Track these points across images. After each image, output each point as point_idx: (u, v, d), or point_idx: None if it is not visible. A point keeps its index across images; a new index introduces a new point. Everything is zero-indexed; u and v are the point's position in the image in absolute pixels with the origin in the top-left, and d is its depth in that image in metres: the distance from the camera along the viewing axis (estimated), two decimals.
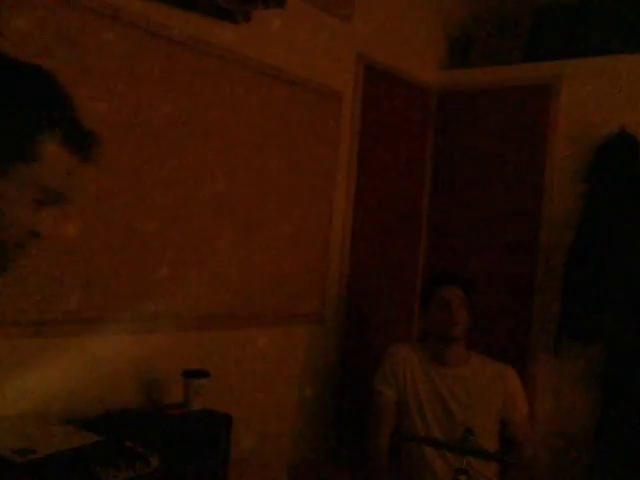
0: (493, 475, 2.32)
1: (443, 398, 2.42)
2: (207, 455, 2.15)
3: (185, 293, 2.35)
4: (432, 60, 3.53)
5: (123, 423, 2.03)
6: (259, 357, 2.68)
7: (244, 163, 2.55)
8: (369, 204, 3.18)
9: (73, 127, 0.85)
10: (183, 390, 2.22)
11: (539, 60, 3.27)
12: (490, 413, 2.42)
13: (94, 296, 2.08)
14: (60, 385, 1.99)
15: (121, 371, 2.18)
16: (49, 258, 1.93)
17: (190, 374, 2.22)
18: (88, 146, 0.88)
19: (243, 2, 2.34)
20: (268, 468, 2.68)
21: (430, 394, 2.44)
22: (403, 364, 2.50)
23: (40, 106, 0.82)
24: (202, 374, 2.23)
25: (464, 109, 3.46)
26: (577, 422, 2.96)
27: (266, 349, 2.71)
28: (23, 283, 1.88)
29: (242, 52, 2.50)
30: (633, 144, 2.90)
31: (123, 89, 2.13)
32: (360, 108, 3.08)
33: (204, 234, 2.42)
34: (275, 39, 2.63)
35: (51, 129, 0.83)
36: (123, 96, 2.13)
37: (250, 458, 2.59)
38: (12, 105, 0.79)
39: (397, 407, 2.49)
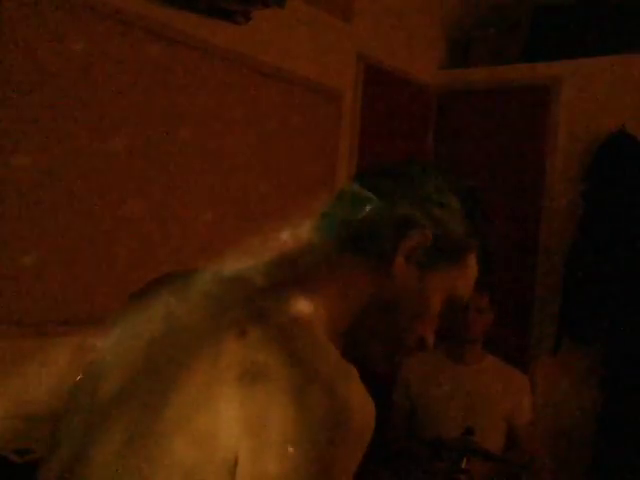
0: (494, 475, 2.32)
1: (457, 395, 2.43)
2: None
3: None
4: (432, 60, 3.53)
5: None
6: None
7: (244, 162, 2.54)
8: None
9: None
10: None
11: (539, 60, 3.27)
12: (499, 413, 2.42)
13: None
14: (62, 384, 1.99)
15: None
16: None
17: None
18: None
19: (243, 2, 2.34)
20: None
21: (444, 393, 2.44)
22: (413, 373, 2.54)
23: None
24: None
25: (464, 109, 3.46)
26: (577, 422, 2.96)
27: None
28: None
29: (242, 52, 2.50)
30: (633, 144, 2.90)
31: (122, 89, 2.13)
32: (360, 108, 3.08)
33: (204, 234, 2.42)
34: (275, 39, 2.62)
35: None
36: (122, 95, 2.13)
37: None
38: None
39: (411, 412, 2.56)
